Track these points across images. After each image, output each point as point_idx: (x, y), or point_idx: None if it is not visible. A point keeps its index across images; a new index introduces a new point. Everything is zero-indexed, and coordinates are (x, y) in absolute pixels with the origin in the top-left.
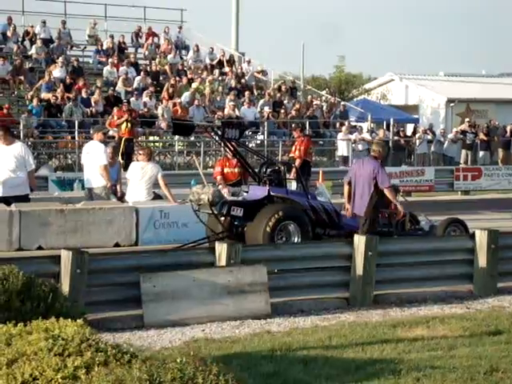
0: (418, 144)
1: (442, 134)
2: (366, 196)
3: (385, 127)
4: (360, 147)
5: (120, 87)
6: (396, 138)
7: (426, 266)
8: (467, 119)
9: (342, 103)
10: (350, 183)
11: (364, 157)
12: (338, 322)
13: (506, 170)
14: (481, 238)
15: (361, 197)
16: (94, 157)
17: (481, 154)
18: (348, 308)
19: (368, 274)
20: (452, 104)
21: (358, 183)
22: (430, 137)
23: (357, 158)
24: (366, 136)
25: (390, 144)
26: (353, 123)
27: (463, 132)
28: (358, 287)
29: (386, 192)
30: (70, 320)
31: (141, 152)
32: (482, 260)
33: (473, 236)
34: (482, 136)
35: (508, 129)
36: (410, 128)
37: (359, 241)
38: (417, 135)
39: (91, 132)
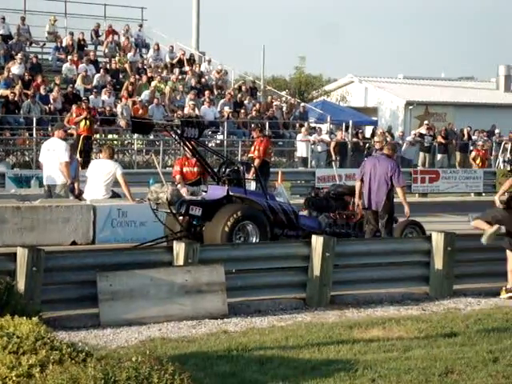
0: (377, 146)
1: (401, 136)
2: (383, 193)
3: (344, 129)
4: (319, 148)
5: (79, 84)
6: (355, 139)
7: (382, 268)
8: (426, 122)
9: (302, 104)
10: (362, 180)
11: (378, 155)
12: (294, 322)
13: (464, 173)
14: (437, 241)
15: (376, 193)
16: (55, 154)
17: (439, 156)
18: (305, 308)
19: (325, 274)
20: (411, 107)
21: (374, 180)
22: (388, 139)
23: (316, 159)
24: (325, 137)
25: (349, 146)
26: (312, 124)
27: (421, 135)
28: (315, 288)
29: (399, 191)
30: (25, 318)
31: (102, 150)
32: (438, 262)
33: (429, 238)
34: (440, 139)
35: (465, 132)
36: (368, 130)
37: (317, 242)
38: (375, 137)
39: (50, 129)
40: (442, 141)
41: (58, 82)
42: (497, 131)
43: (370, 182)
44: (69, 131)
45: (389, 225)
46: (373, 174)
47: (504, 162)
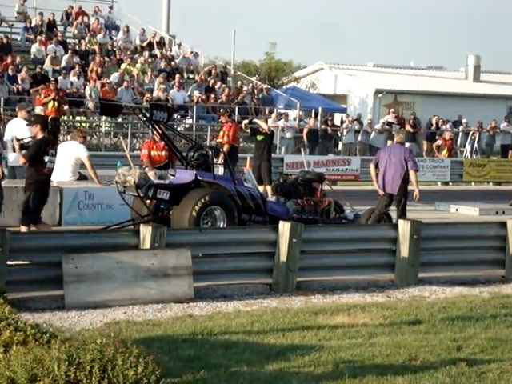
0: (345, 133)
1: (369, 124)
2: (398, 177)
3: (313, 116)
4: (288, 135)
5: (48, 65)
6: (324, 126)
7: (349, 255)
8: (392, 110)
9: (265, 87)
10: (376, 166)
11: (392, 143)
12: (260, 307)
13: (431, 162)
14: (404, 229)
15: (392, 178)
16: (18, 135)
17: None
18: (271, 294)
19: (292, 260)
20: (380, 95)
21: (390, 166)
22: (357, 127)
23: (286, 146)
24: (293, 123)
25: (318, 133)
26: (281, 111)
27: (389, 123)
28: (282, 273)
29: (412, 174)
30: None
31: (75, 132)
32: (404, 250)
33: (396, 226)
34: (408, 127)
35: (434, 121)
36: (338, 117)
37: (284, 227)
38: (344, 125)
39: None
40: (410, 129)
41: (18, 61)
42: (464, 121)
43: (386, 169)
44: (36, 112)
45: (403, 207)
46: (389, 161)
47: (471, 152)
